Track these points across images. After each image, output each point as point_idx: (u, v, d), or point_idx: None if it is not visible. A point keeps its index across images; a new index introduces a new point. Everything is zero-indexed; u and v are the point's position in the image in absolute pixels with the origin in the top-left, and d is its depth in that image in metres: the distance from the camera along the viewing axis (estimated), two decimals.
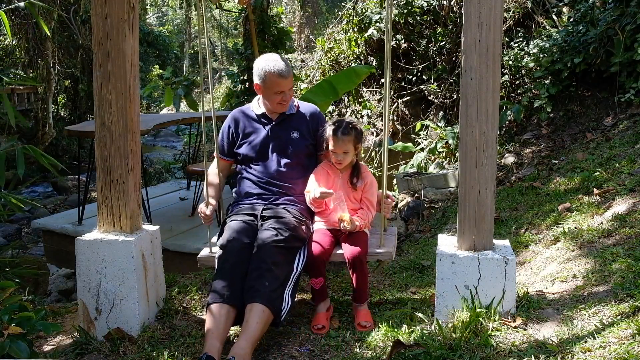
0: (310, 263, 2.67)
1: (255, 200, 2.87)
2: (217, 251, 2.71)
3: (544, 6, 7.24)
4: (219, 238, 2.75)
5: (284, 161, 2.87)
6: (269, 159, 2.88)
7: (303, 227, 2.76)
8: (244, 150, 2.92)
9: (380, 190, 2.81)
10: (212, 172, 3.00)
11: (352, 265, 2.66)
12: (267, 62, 2.77)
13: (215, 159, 2.99)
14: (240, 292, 2.48)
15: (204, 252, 2.85)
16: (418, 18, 8.07)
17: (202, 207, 2.84)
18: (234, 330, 2.66)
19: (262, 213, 2.77)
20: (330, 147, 2.75)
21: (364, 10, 8.71)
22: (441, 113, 7.94)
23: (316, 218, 2.87)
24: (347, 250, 2.67)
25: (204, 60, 2.71)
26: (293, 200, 2.86)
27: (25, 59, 12.23)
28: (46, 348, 2.65)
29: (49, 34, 10.45)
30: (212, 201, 2.86)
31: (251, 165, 2.92)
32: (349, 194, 2.79)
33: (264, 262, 2.52)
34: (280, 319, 2.49)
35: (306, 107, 3.01)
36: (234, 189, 3.03)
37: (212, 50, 25.87)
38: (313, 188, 2.76)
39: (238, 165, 3.02)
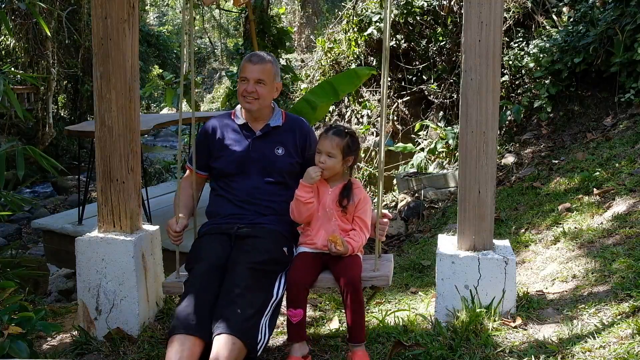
0: (289, 290, 2.29)
1: (230, 220, 2.47)
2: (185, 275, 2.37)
3: (544, 6, 7.24)
4: (187, 260, 2.43)
5: (265, 179, 2.50)
6: (248, 176, 2.50)
7: (284, 250, 2.39)
8: (220, 164, 2.54)
9: (375, 210, 2.45)
10: (184, 187, 2.63)
11: (345, 292, 2.25)
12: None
13: (188, 172, 2.66)
14: (208, 322, 2.09)
15: (171, 277, 2.56)
16: (418, 18, 8.07)
17: (171, 223, 2.46)
18: None
19: (236, 232, 2.40)
20: (317, 147, 2.41)
21: (364, 10, 8.71)
22: (441, 113, 7.94)
23: (300, 240, 2.49)
24: (340, 275, 2.28)
25: (190, 60, 2.63)
26: (274, 220, 2.46)
27: (25, 59, 12.23)
28: (46, 348, 2.64)
29: (49, 34, 10.47)
30: (183, 218, 2.50)
31: (227, 181, 2.54)
32: (339, 212, 2.40)
33: (236, 287, 2.15)
34: (256, 354, 2.10)
35: (295, 121, 2.63)
36: (207, 209, 2.62)
37: (212, 50, 25.86)
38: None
39: (212, 182, 2.64)
